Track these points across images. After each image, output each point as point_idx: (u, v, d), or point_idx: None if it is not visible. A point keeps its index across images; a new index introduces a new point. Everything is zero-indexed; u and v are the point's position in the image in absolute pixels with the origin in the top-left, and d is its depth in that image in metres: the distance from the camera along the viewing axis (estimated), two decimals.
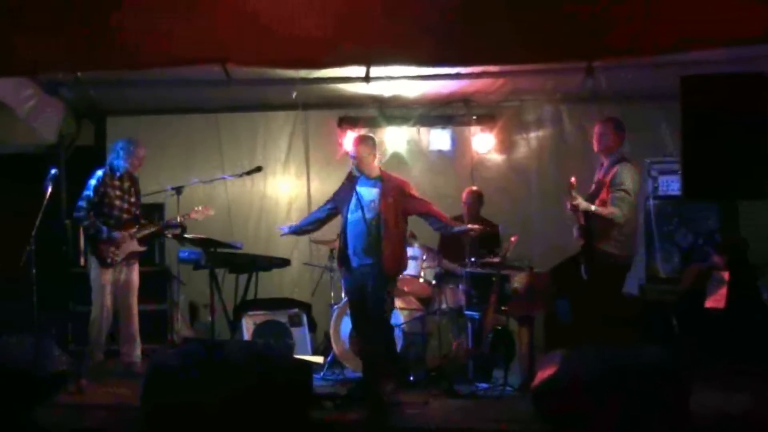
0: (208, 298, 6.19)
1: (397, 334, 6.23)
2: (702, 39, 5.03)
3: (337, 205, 5.96)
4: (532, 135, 7.91)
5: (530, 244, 6.87)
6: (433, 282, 6.65)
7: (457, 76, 6.86)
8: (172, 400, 4.53)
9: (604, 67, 6.26)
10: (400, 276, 6.14)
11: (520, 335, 6.13)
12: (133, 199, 6.51)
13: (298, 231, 6.28)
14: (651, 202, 7.00)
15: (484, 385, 6.07)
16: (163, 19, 5.26)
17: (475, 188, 7.27)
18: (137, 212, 6.56)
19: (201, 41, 5.31)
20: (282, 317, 6.94)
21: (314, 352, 7.00)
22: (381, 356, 5.70)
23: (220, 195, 7.75)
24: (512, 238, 6.19)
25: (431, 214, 5.86)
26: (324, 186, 7.47)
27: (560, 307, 5.94)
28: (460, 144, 7.95)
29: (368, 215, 5.64)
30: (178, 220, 6.49)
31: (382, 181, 5.78)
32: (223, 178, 7.18)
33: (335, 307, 6.77)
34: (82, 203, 6.32)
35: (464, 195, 7.17)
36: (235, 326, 6.70)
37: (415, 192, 5.88)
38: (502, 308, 6.09)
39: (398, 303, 6.46)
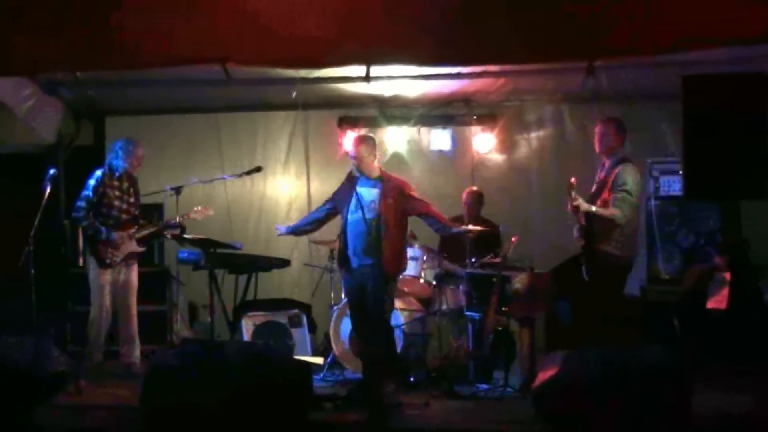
0: (207, 298, 6.18)
1: (398, 334, 6.22)
2: (702, 39, 5.03)
3: (336, 205, 5.94)
4: (533, 135, 7.90)
5: (531, 245, 6.86)
6: (434, 283, 6.63)
7: (458, 75, 6.85)
8: (171, 401, 4.52)
9: (605, 66, 6.25)
10: (401, 276, 6.13)
11: (521, 336, 6.12)
12: (132, 200, 6.50)
13: (295, 231, 6.27)
14: (652, 202, 6.99)
15: (485, 386, 6.06)
16: (163, 18, 5.26)
17: (475, 188, 7.26)
18: (136, 212, 6.54)
19: (201, 41, 5.31)
20: (282, 318, 6.93)
21: (314, 353, 6.98)
22: (381, 357, 5.68)
23: (219, 195, 7.74)
24: (513, 239, 6.18)
25: (430, 215, 5.85)
26: (324, 186, 7.45)
27: (561, 308, 5.93)
28: (460, 144, 7.93)
29: (368, 216, 5.63)
30: (177, 220, 6.48)
31: (383, 181, 5.77)
32: (223, 178, 7.17)
33: (335, 307, 6.76)
34: (81, 203, 6.31)
35: (464, 195, 7.15)
36: (235, 327, 6.68)
37: (415, 193, 5.87)
38: (503, 309, 6.07)
39: (398, 304, 6.44)
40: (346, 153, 6.73)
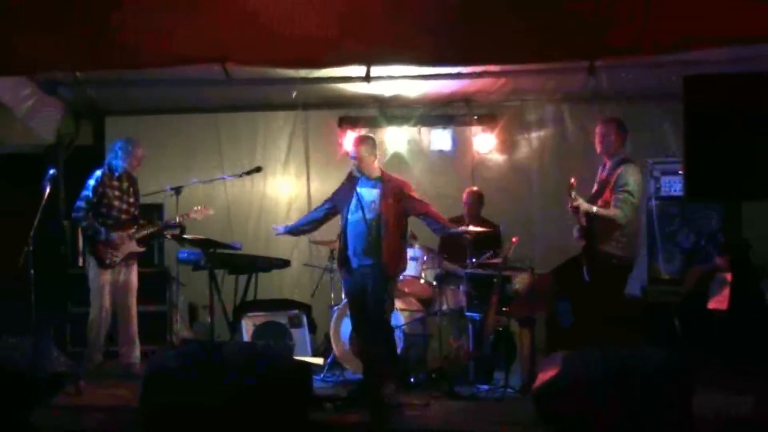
0: (207, 299, 6.16)
1: (398, 335, 6.21)
2: (703, 38, 5.03)
3: (335, 205, 5.94)
4: (534, 135, 7.88)
5: (532, 245, 6.85)
6: (434, 283, 6.62)
7: (458, 75, 6.83)
8: (171, 401, 4.51)
9: (606, 66, 6.24)
10: (401, 277, 6.13)
11: (522, 337, 6.11)
12: (131, 200, 6.49)
13: (293, 231, 6.26)
14: (653, 202, 6.98)
15: (485, 387, 6.05)
16: (163, 18, 5.26)
17: (475, 189, 7.25)
18: (136, 212, 6.53)
19: (201, 41, 5.31)
20: (282, 318, 6.92)
21: (314, 354, 6.97)
22: (381, 358, 5.67)
23: (219, 195, 7.73)
24: (513, 239, 6.17)
25: (430, 216, 5.85)
26: (324, 186, 7.44)
27: (561, 309, 5.92)
28: (461, 144, 7.92)
29: (369, 216, 5.62)
30: (177, 220, 6.48)
31: (383, 181, 5.76)
32: (223, 179, 7.16)
33: (335, 308, 6.75)
34: (81, 203, 6.30)
35: (465, 195, 7.15)
36: (235, 327, 6.66)
37: (415, 193, 5.87)
38: (503, 309, 6.06)
39: (399, 304, 6.44)
40: (347, 153, 6.72)
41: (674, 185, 6.90)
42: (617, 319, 5.29)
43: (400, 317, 6.48)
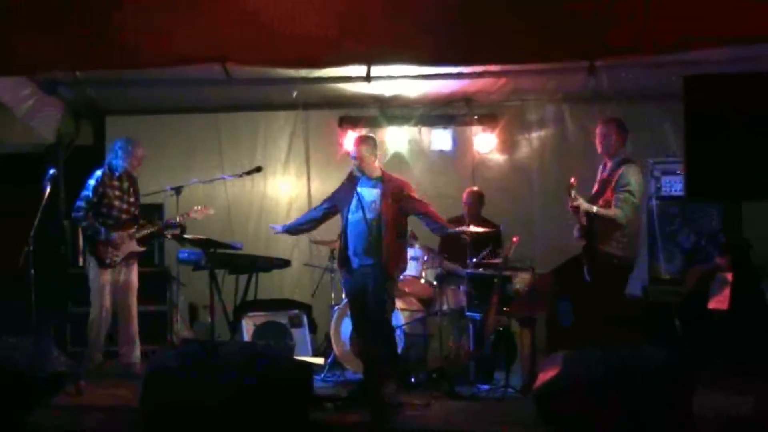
0: (207, 298, 6.15)
1: (398, 335, 6.21)
2: (703, 38, 5.03)
3: (335, 204, 5.94)
4: (534, 135, 7.88)
5: (532, 245, 6.85)
6: (435, 283, 6.62)
7: (459, 75, 6.83)
8: (171, 401, 4.51)
9: (606, 66, 6.23)
10: (401, 277, 6.13)
11: (522, 336, 6.11)
12: (132, 199, 6.49)
13: (291, 230, 6.26)
14: (654, 202, 6.98)
15: (486, 387, 6.05)
16: (163, 18, 5.26)
17: (476, 188, 7.24)
18: (136, 212, 6.53)
19: (201, 40, 5.31)
20: (282, 318, 6.91)
21: (315, 354, 6.97)
22: (382, 357, 5.67)
23: (220, 195, 7.73)
24: (514, 239, 6.17)
25: (428, 215, 5.85)
26: (324, 186, 7.44)
27: (562, 309, 5.91)
28: (461, 144, 7.92)
29: (369, 216, 5.62)
30: (178, 220, 6.48)
31: (383, 181, 5.76)
32: (223, 178, 7.16)
33: (336, 308, 6.75)
34: (81, 203, 6.29)
35: (465, 195, 7.14)
36: (235, 327, 6.67)
37: (414, 193, 5.87)
38: (504, 309, 6.06)
39: (399, 304, 6.43)
40: (347, 153, 6.72)
41: (675, 185, 6.89)
42: (618, 319, 5.29)
43: (400, 317, 6.47)
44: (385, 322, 5.73)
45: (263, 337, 6.72)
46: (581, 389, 4.38)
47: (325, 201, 6.08)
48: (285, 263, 6.98)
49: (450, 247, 6.77)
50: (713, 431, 4.68)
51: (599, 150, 5.74)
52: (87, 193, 6.29)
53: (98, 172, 6.36)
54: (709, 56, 5.45)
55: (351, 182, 5.82)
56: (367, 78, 6.66)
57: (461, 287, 6.57)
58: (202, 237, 6.27)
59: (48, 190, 5.81)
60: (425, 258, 6.65)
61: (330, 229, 6.34)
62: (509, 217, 7.14)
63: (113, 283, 6.37)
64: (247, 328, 6.73)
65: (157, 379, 4.64)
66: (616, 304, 5.45)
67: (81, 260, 7.09)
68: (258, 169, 6.83)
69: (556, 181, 7.15)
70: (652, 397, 4.29)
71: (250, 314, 6.80)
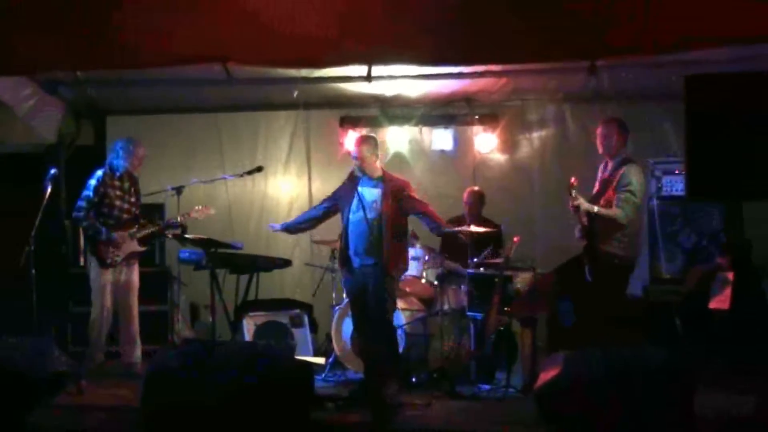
0: (208, 298, 6.17)
1: (399, 334, 6.21)
2: (703, 38, 5.03)
3: (335, 204, 5.95)
4: (535, 135, 7.88)
5: (533, 245, 6.86)
6: (435, 283, 6.62)
7: (459, 75, 6.83)
8: (172, 401, 4.50)
9: (607, 66, 6.23)
10: (402, 276, 6.12)
11: (523, 336, 6.11)
12: (133, 199, 6.49)
13: (290, 228, 6.26)
14: (654, 202, 6.98)
15: (487, 387, 6.05)
16: (163, 18, 5.26)
17: (476, 188, 7.24)
18: (137, 212, 6.53)
19: (202, 40, 5.31)
20: (283, 318, 6.91)
21: (316, 353, 6.97)
22: (383, 357, 5.67)
23: (220, 195, 7.73)
24: (515, 239, 6.17)
25: (427, 215, 5.85)
26: (325, 186, 7.44)
27: (563, 308, 5.91)
28: (462, 144, 7.92)
29: (370, 215, 5.61)
30: (178, 219, 6.48)
31: (384, 181, 5.76)
32: (224, 178, 7.16)
33: (337, 307, 6.75)
34: (82, 203, 6.30)
35: (465, 195, 7.13)
36: (236, 327, 6.67)
37: (415, 193, 5.87)
38: (505, 309, 6.06)
39: (400, 304, 6.43)
40: (348, 153, 6.72)
41: (676, 185, 6.89)
42: (619, 318, 5.29)
43: (401, 317, 6.47)
44: (386, 322, 5.73)
45: (264, 336, 6.72)
46: (582, 389, 4.38)
47: (325, 200, 6.09)
48: (286, 263, 6.99)
49: (451, 247, 6.76)
50: (714, 431, 4.68)
51: (600, 150, 5.74)
52: (88, 193, 6.29)
53: (99, 172, 6.36)
54: (710, 56, 5.45)
55: (352, 182, 5.82)
56: (368, 78, 6.66)
57: (462, 287, 6.57)
58: (203, 237, 6.28)
59: (49, 190, 5.82)
60: (426, 258, 6.65)
61: (331, 229, 6.35)
62: (510, 217, 7.15)
63: (114, 282, 6.37)
64: (248, 327, 6.73)
65: (158, 379, 4.64)
66: (617, 304, 5.45)
67: (82, 260, 7.10)
68: (259, 169, 6.83)
69: (556, 181, 7.14)
70: (653, 396, 4.29)
71: (251, 314, 6.80)
